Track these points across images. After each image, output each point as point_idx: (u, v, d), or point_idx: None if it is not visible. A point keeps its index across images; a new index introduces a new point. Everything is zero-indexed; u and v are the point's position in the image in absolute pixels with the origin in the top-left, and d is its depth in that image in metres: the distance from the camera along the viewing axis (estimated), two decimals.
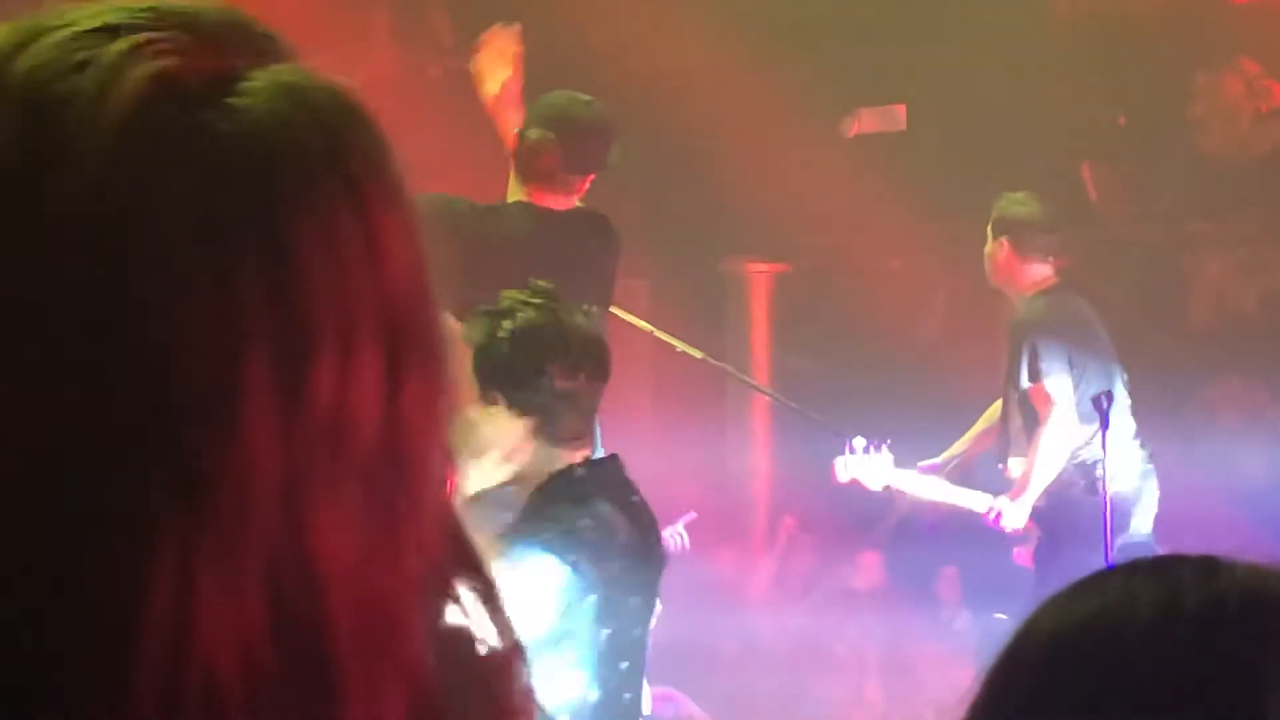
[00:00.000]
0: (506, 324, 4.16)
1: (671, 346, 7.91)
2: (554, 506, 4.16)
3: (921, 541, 8.75)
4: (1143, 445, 7.33)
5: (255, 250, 0.91)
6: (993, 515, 7.18)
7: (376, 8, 11.62)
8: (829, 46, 10.54)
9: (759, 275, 10.43)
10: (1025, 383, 7.13)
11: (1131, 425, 7.30)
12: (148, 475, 0.88)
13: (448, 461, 0.97)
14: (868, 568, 9.61)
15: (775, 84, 9.93)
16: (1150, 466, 7.32)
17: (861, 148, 10.50)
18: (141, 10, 0.95)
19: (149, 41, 0.94)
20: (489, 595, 1.00)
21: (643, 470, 4.48)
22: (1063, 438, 7.05)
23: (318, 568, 0.90)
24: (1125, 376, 7.41)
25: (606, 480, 4.22)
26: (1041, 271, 7.43)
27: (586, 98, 6.07)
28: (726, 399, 10.44)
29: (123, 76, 0.92)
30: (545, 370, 4.14)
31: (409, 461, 0.94)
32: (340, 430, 0.91)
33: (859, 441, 7.41)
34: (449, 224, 5.77)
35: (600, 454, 4.42)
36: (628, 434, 6.20)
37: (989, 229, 7.52)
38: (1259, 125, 9.98)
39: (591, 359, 4.24)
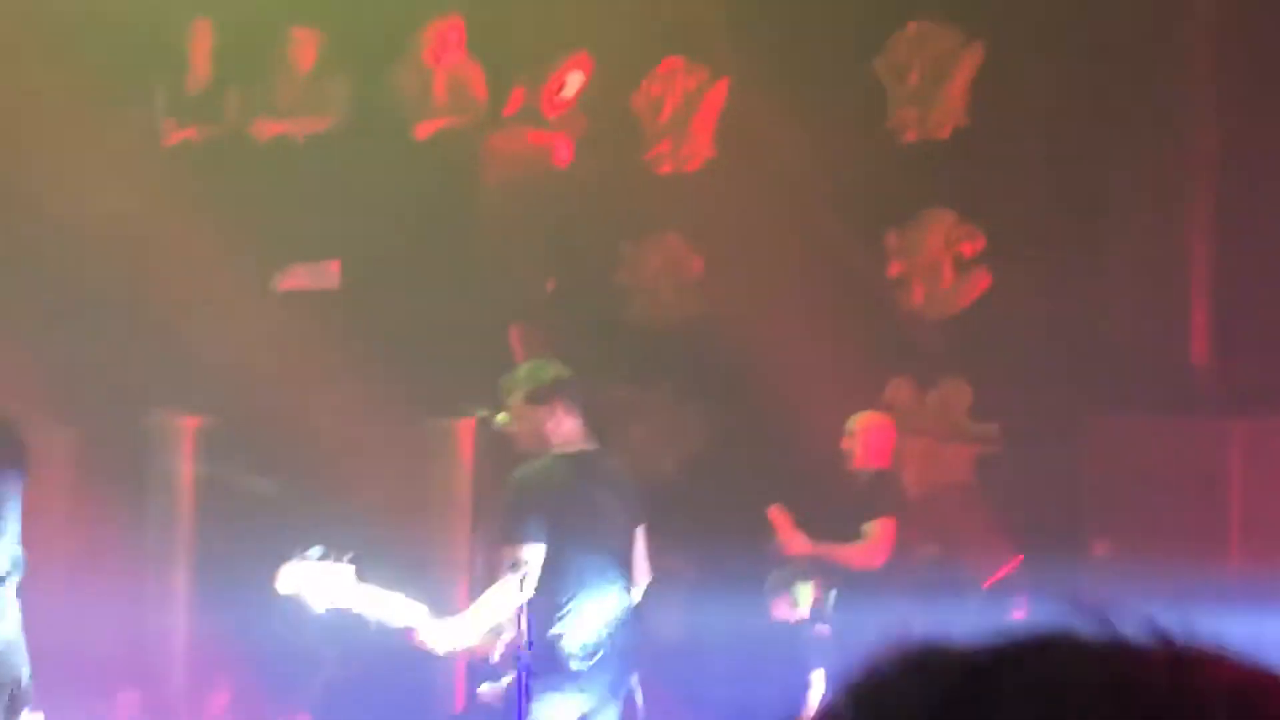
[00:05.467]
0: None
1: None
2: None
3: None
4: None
5: None
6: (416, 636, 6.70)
7: None
8: (262, 202, 10.45)
9: (184, 428, 10.21)
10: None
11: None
12: None
13: None
14: None
15: (204, 237, 9.78)
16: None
17: (294, 304, 10.41)
18: None
19: None
20: None
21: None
22: (508, 594, 6.78)
23: None
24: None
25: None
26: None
27: None
28: (146, 559, 10.14)
29: None
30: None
31: None
32: None
33: (314, 550, 6.55)
34: None
35: None
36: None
37: (524, 399, 6.99)
38: (679, 295, 10.35)
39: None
